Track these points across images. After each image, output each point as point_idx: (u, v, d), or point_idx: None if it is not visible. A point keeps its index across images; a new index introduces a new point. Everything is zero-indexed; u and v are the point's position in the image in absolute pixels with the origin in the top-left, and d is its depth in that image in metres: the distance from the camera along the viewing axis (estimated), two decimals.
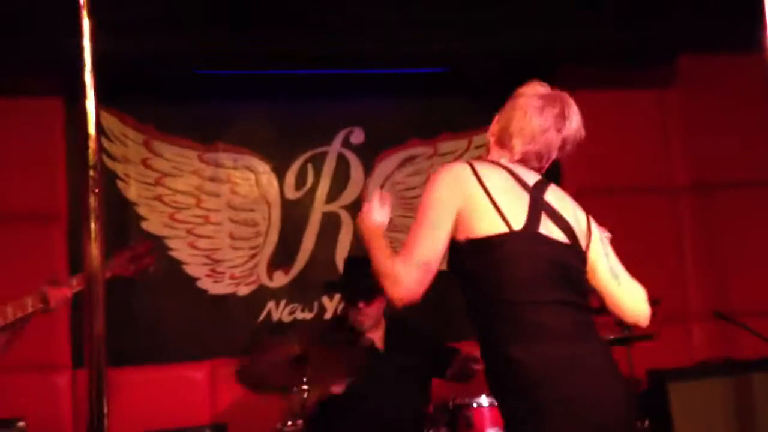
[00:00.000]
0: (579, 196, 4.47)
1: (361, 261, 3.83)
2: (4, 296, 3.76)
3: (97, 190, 1.49)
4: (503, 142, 2.15)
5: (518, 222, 1.96)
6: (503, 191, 1.99)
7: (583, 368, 1.89)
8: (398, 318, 3.60)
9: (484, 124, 4.32)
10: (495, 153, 2.16)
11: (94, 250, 1.52)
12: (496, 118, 2.22)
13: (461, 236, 1.95)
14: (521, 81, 4.66)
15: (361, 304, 3.48)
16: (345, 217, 4.25)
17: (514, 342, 1.89)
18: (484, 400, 2.30)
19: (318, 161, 4.26)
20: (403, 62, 4.18)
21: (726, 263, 4.55)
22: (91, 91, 1.54)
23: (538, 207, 2.01)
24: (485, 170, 2.02)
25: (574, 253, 2.04)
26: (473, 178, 1.98)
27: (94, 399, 1.46)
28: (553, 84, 4.60)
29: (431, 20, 3.94)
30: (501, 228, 1.94)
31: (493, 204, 1.95)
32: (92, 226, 1.51)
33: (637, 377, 3.89)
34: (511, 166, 2.08)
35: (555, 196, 2.10)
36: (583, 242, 2.07)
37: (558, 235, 2.02)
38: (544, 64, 4.40)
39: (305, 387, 2.87)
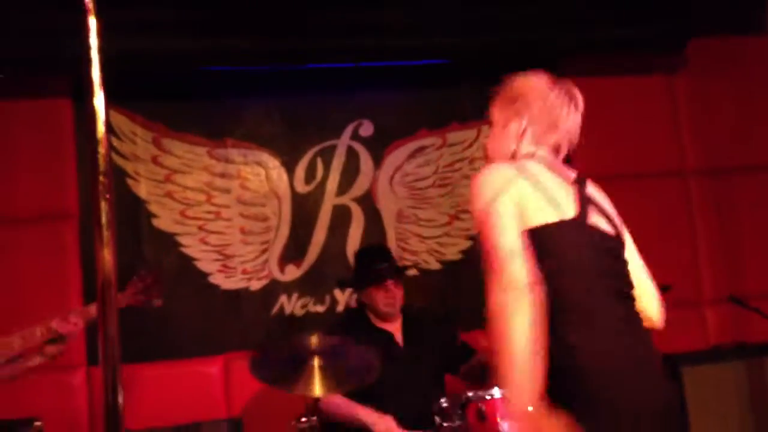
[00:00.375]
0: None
1: (373, 250, 3.88)
2: (18, 297, 3.81)
3: (108, 196, 1.50)
4: (536, 138, 2.13)
5: (570, 211, 1.99)
6: (551, 182, 2.02)
7: (635, 358, 1.94)
8: (414, 310, 3.60)
9: None
10: (526, 148, 2.12)
11: (107, 255, 1.53)
12: (511, 117, 2.16)
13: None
14: (525, 69, 4.66)
15: (390, 284, 3.47)
16: (355, 209, 4.26)
17: (570, 328, 1.91)
18: (497, 392, 2.31)
19: (327, 154, 4.27)
20: (410, 54, 4.17)
21: (739, 247, 4.54)
22: (99, 89, 1.53)
23: (584, 198, 2.04)
24: (528, 165, 2.04)
25: (620, 245, 2.09)
26: (517, 173, 1.99)
27: (109, 399, 1.47)
28: (560, 73, 4.61)
29: (437, 12, 3.93)
30: (554, 217, 1.97)
31: (544, 195, 1.97)
32: (104, 232, 1.52)
33: None
34: (548, 159, 2.10)
35: (594, 190, 2.14)
36: (623, 236, 2.12)
37: (605, 226, 2.06)
38: (548, 53, 4.41)
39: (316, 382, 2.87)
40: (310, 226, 4.21)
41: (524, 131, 2.12)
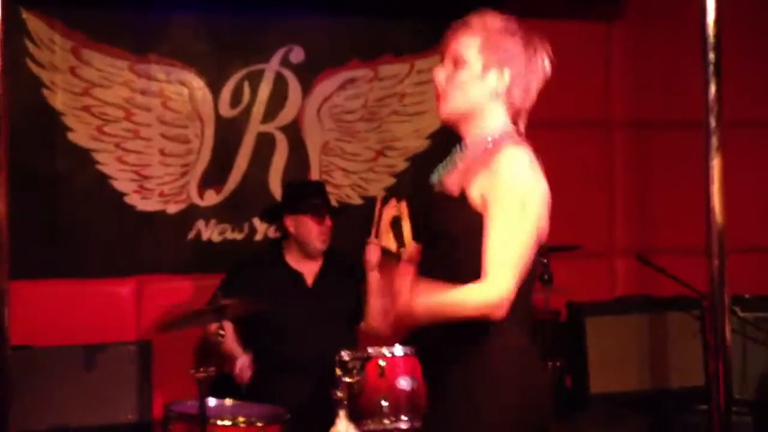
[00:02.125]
0: None
1: (311, 183, 3.84)
2: None
3: (2, 141, 1.41)
4: (510, 103, 1.94)
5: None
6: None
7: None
8: (335, 255, 3.59)
9: (426, 48, 4.33)
10: (501, 117, 1.93)
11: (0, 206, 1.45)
12: (490, 65, 1.88)
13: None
14: (467, 6, 4.58)
15: (327, 218, 3.46)
16: (280, 138, 4.18)
17: (523, 334, 1.87)
18: (398, 350, 2.33)
19: (255, 79, 4.14)
20: None
21: (655, 202, 4.65)
22: None
23: None
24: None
25: None
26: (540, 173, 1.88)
27: None
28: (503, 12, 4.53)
29: None
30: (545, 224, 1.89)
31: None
32: None
33: (557, 309, 4.03)
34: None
35: None
36: None
37: None
38: None
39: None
40: (233, 152, 4.12)
41: (506, 91, 1.91)
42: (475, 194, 1.83)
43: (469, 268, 1.77)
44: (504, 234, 1.76)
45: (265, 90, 4.15)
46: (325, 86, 4.23)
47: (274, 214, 3.76)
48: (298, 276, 3.52)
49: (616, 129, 4.65)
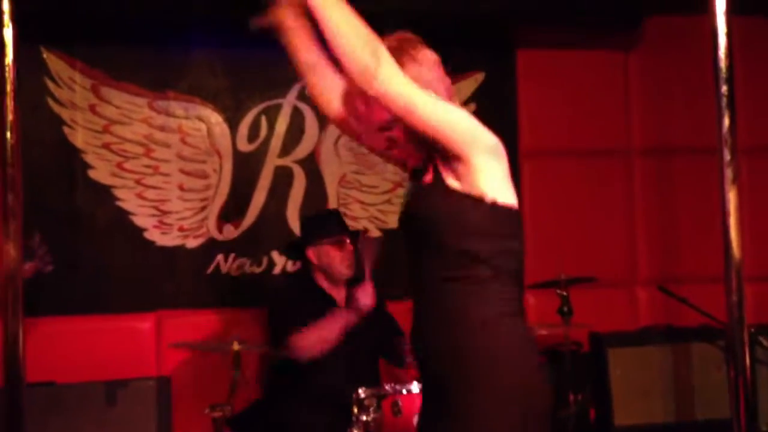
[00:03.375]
0: (535, 157, 4.54)
1: (329, 213, 3.84)
2: None
3: (16, 189, 1.43)
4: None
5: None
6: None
7: None
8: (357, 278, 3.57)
9: None
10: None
11: (12, 250, 1.47)
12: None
13: (489, 195, 1.86)
14: (480, 40, 4.61)
15: (348, 243, 3.46)
16: (298, 171, 4.19)
17: (523, 322, 1.88)
18: (414, 388, 2.31)
19: (272, 113, 4.18)
20: (363, 16, 4.07)
21: (676, 230, 4.60)
22: (8, 21, 1.43)
23: None
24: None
25: None
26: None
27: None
28: (514, 44, 4.53)
29: None
30: (515, 201, 1.92)
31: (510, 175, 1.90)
32: (11, 225, 1.46)
33: (579, 340, 3.98)
34: None
35: None
36: None
37: None
38: (504, 22, 4.35)
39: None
40: (251, 186, 4.14)
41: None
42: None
43: (461, 247, 1.82)
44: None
45: (282, 124, 4.18)
46: None
47: (295, 249, 3.76)
48: (331, 300, 3.51)
49: (635, 157, 4.62)
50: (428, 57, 1.96)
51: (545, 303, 3.87)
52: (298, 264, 4.11)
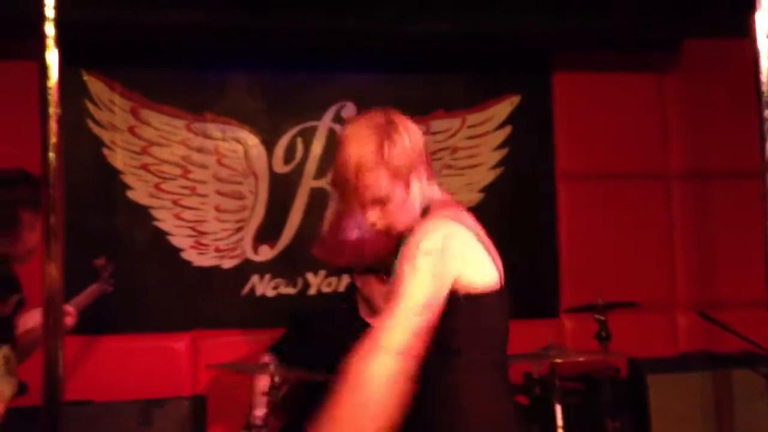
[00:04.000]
0: (572, 180, 4.50)
1: None
2: None
3: (58, 210, 1.45)
4: (428, 179, 1.90)
5: (500, 274, 1.87)
6: (484, 236, 1.89)
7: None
8: None
9: (477, 103, 4.35)
10: (428, 193, 1.90)
11: (53, 270, 1.48)
12: (409, 180, 1.85)
13: (461, 291, 1.79)
14: (516, 62, 4.60)
15: (370, 277, 3.44)
16: (333, 193, 4.21)
17: (498, 399, 1.85)
18: None
19: (308, 135, 4.20)
20: (399, 39, 4.09)
21: (716, 254, 4.52)
22: (53, 46, 1.45)
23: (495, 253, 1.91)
24: (461, 213, 1.88)
25: None
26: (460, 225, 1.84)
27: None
28: (550, 66, 4.51)
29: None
30: (494, 282, 1.84)
31: (483, 252, 1.83)
32: (52, 246, 1.47)
33: (617, 366, 3.92)
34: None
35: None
36: None
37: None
38: (541, 46, 4.35)
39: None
40: (287, 208, 4.16)
41: (422, 181, 1.87)
42: None
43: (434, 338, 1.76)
44: (396, 294, 1.74)
45: (317, 146, 4.20)
46: None
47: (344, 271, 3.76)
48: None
49: (673, 181, 4.56)
50: (405, 142, 1.88)
51: (582, 328, 3.82)
52: (333, 285, 4.12)
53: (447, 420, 1.81)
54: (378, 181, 1.83)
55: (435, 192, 1.92)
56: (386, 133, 1.88)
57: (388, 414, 1.65)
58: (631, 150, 4.50)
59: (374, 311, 3.48)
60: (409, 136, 1.89)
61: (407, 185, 1.85)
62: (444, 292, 1.76)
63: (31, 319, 3.01)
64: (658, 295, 4.40)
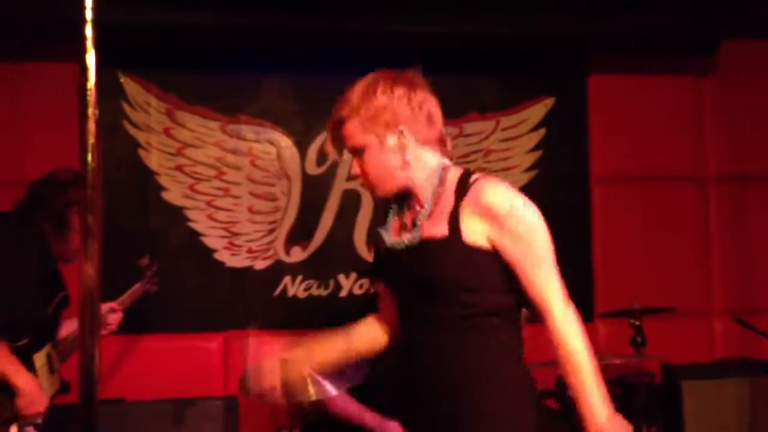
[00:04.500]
0: (606, 183, 4.45)
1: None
2: None
3: (95, 210, 1.46)
4: (421, 138, 1.88)
5: None
6: None
7: None
8: None
9: (511, 105, 4.32)
10: (421, 155, 1.87)
11: (90, 269, 1.50)
12: (382, 133, 1.86)
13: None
14: (551, 64, 4.57)
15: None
16: (365, 195, 4.21)
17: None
18: None
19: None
20: (432, 40, 4.09)
21: (753, 259, 4.46)
22: (91, 47, 1.46)
23: None
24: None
25: None
26: None
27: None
28: (585, 68, 4.46)
29: (460, 0, 3.85)
30: None
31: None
32: (90, 246, 1.49)
33: (651, 371, 3.87)
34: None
35: None
36: None
37: None
38: (575, 48, 4.31)
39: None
40: (319, 209, 4.17)
41: (412, 139, 1.85)
42: (472, 232, 1.81)
43: (478, 302, 1.80)
44: (538, 259, 1.89)
45: None
46: None
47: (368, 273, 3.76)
48: None
49: (710, 184, 4.51)
50: (408, 97, 1.90)
51: (617, 332, 3.78)
52: (365, 287, 4.12)
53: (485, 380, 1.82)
54: (350, 131, 1.89)
55: (438, 161, 1.89)
56: (369, 86, 1.91)
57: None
58: (667, 153, 4.45)
59: None
60: (392, 90, 1.89)
61: (381, 141, 1.85)
62: None
63: (74, 321, 3.06)
64: (694, 300, 4.35)
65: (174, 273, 4.05)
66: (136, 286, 3.41)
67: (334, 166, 4.20)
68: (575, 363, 1.78)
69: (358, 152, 1.90)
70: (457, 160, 4.30)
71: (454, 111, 4.26)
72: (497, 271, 1.82)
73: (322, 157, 4.19)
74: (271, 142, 4.15)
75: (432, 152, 1.89)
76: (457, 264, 1.80)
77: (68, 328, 3.02)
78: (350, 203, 4.19)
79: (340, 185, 4.19)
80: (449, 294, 1.81)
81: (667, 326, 4.00)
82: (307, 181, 4.17)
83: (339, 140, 1.94)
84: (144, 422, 3.63)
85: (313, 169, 4.18)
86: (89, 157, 1.50)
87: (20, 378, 2.60)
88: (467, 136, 4.29)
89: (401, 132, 1.85)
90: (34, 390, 2.63)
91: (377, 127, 1.86)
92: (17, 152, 3.88)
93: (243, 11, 3.81)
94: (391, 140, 1.86)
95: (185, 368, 3.97)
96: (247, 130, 4.13)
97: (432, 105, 1.91)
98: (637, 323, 3.48)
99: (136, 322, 3.92)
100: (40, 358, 2.76)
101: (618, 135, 4.43)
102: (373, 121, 1.86)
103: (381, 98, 1.87)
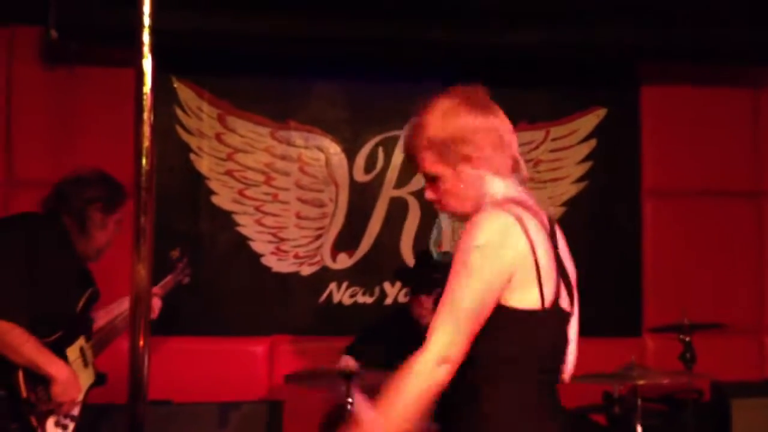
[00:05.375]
0: (658, 196, 4.39)
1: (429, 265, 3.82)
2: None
3: (148, 212, 1.49)
4: (493, 167, 1.82)
5: (549, 293, 1.76)
6: (541, 244, 1.77)
7: None
8: None
9: (561, 116, 4.29)
10: (494, 187, 1.80)
11: (142, 270, 1.52)
12: (455, 162, 1.81)
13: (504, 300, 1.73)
14: (603, 75, 4.51)
15: (422, 297, 3.46)
16: (413, 203, 4.21)
17: (527, 392, 1.78)
18: None
19: (389, 145, 4.22)
20: (483, 50, 4.07)
21: None
22: (148, 53, 1.49)
23: (560, 268, 1.81)
24: (528, 220, 1.76)
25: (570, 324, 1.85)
26: (523, 236, 1.74)
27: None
28: (638, 78, 4.39)
29: (511, 10, 3.83)
30: (537, 302, 1.75)
31: (536, 268, 1.74)
32: (142, 247, 1.51)
33: (700, 388, 3.80)
34: (523, 197, 1.82)
35: (561, 242, 1.87)
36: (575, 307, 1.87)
37: (567, 303, 1.82)
38: (627, 58, 4.26)
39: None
40: (366, 217, 4.18)
41: (484, 163, 1.80)
42: None
43: None
44: (447, 296, 1.72)
45: (399, 155, 4.20)
46: None
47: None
48: None
49: (765, 199, 4.41)
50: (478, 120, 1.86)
51: (666, 348, 3.73)
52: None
53: (469, 425, 1.78)
54: (424, 160, 1.86)
55: (510, 191, 1.82)
56: (444, 113, 1.88)
57: (416, 410, 1.69)
58: (721, 167, 4.37)
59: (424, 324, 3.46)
60: (467, 118, 1.86)
61: (456, 170, 1.81)
62: (496, 293, 1.72)
63: (108, 314, 3.11)
64: (745, 317, 4.25)
65: (222, 276, 4.10)
66: (168, 278, 3.43)
67: (382, 173, 4.21)
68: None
69: (431, 179, 1.88)
70: None
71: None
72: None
73: (370, 164, 4.21)
74: (319, 149, 4.18)
75: (503, 180, 1.83)
76: None
77: (103, 318, 3.08)
78: (397, 211, 4.19)
79: (387, 192, 4.20)
80: None
81: (717, 343, 3.93)
82: (355, 187, 4.19)
83: (413, 163, 1.92)
84: (190, 424, 3.67)
85: (360, 176, 4.20)
86: (143, 160, 1.53)
87: (52, 366, 2.67)
88: (518, 145, 4.26)
89: (475, 161, 1.82)
90: (67, 376, 2.70)
91: (451, 156, 1.83)
92: (73, 155, 3.96)
93: (296, 19, 3.85)
94: (465, 169, 1.83)
95: (231, 371, 4.01)
96: (297, 136, 4.17)
97: (506, 131, 1.89)
98: (687, 339, 3.41)
99: (182, 325, 4.00)
100: (73, 352, 2.83)
101: (671, 147, 4.37)
102: (447, 151, 1.83)
103: (455, 127, 1.85)
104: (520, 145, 4.51)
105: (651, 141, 4.35)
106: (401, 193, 4.21)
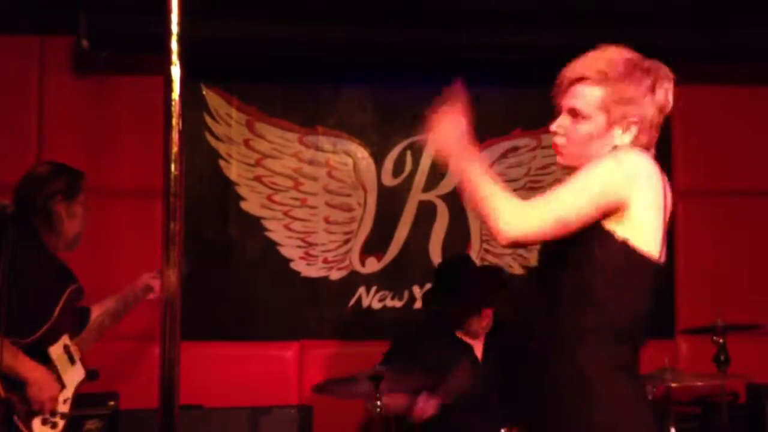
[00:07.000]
0: (690, 196, 4.34)
1: (491, 272, 3.79)
2: (109, 269, 3.92)
3: (178, 218, 1.50)
4: (640, 144, 1.80)
5: (659, 250, 1.78)
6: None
7: None
8: (501, 326, 3.51)
9: None
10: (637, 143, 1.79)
11: (172, 276, 1.53)
12: (616, 121, 1.78)
13: (620, 231, 1.73)
14: None
15: (487, 311, 3.42)
16: (441, 206, 4.20)
17: (621, 352, 1.80)
18: None
19: (417, 149, 4.21)
20: (510, 52, 4.06)
21: None
22: (176, 60, 1.50)
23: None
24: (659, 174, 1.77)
25: None
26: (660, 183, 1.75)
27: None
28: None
29: (541, 11, 3.81)
30: (655, 254, 1.76)
31: (662, 222, 1.76)
32: (171, 252, 1.52)
33: (735, 390, 3.75)
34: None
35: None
36: None
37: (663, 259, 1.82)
38: (658, 56, 4.21)
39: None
40: (395, 220, 4.18)
41: (626, 136, 1.78)
42: None
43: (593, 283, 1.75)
44: (560, 190, 1.75)
45: (426, 160, 4.20)
46: (487, 155, 4.21)
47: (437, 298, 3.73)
48: (468, 347, 3.46)
49: None
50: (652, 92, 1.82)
51: (700, 350, 3.68)
52: None
53: (573, 391, 1.78)
54: (586, 96, 1.80)
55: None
56: (632, 69, 1.81)
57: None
58: (753, 166, 4.32)
59: (471, 335, 3.44)
60: (650, 89, 1.80)
61: (609, 127, 1.78)
62: (611, 205, 1.71)
63: (98, 308, 3.12)
64: None
65: (251, 281, 4.12)
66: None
67: (410, 177, 4.21)
68: None
69: (574, 115, 1.83)
70: (536, 172, 4.28)
71: (533, 122, 4.23)
72: (605, 252, 1.83)
73: (398, 168, 4.21)
74: (347, 153, 4.19)
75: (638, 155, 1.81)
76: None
77: (96, 311, 3.09)
78: (426, 214, 4.19)
79: (415, 196, 4.20)
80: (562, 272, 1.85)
81: (752, 344, 3.87)
82: (383, 192, 4.19)
83: (561, 88, 1.89)
84: (220, 429, 3.69)
85: (389, 180, 4.20)
86: (172, 166, 1.54)
87: (25, 369, 2.74)
88: (544, 147, 4.24)
89: (629, 129, 1.79)
90: (39, 377, 2.74)
91: (615, 111, 1.78)
92: (104, 162, 4.01)
93: (322, 25, 3.87)
94: (616, 131, 1.80)
95: (261, 376, 4.03)
96: (325, 141, 4.18)
97: (666, 112, 1.86)
98: (721, 341, 3.37)
99: (212, 329, 4.02)
100: (56, 350, 2.86)
101: (702, 147, 4.32)
102: (616, 105, 1.79)
103: (636, 90, 1.79)
104: (549, 147, 4.53)
105: (682, 140, 4.30)
106: (429, 196, 4.20)
